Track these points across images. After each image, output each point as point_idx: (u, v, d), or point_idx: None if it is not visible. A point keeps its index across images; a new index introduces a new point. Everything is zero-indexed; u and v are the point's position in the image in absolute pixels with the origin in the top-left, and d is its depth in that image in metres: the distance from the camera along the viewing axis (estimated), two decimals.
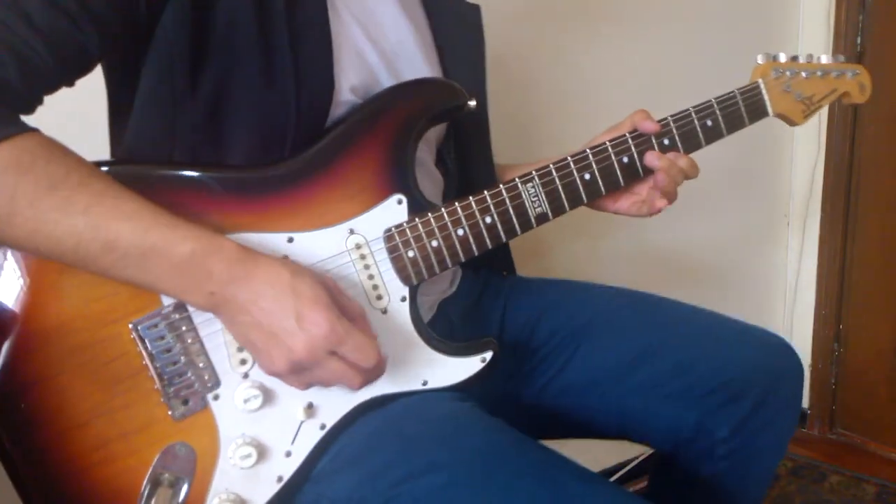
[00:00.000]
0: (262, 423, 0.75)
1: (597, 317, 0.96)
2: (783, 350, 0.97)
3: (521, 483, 0.68)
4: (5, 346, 0.68)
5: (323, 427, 0.77)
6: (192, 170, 0.74)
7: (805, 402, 2.11)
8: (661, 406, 0.93)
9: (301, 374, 0.69)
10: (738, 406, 0.91)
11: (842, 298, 2.03)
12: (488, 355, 0.82)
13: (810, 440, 2.08)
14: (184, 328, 0.72)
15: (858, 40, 1.87)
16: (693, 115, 0.92)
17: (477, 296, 0.99)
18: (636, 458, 1.43)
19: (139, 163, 0.74)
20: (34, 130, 0.65)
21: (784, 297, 2.11)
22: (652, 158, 0.88)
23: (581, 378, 0.94)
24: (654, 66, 1.68)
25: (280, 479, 0.75)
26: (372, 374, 0.70)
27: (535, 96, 1.53)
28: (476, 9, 0.94)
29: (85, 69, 0.75)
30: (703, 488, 0.95)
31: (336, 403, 0.77)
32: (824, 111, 1.92)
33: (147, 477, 0.72)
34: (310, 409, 0.76)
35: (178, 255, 0.65)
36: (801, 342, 2.08)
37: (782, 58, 0.99)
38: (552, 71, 1.54)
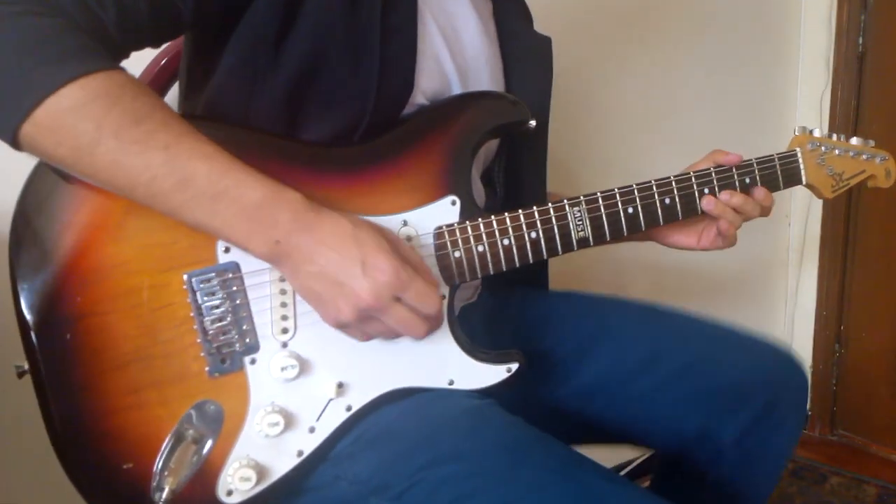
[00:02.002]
0: (293, 395, 0.75)
1: (604, 325, 0.99)
2: (787, 359, 0.99)
3: (548, 477, 0.70)
4: (62, 274, 0.69)
5: (349, 409, 0.78)
6: (262, 135, 0.76)
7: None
8: (666, 409, 0.95)
9: (367, 322, 0.70)
10: (745, 411, 0.93)
11: (843, 299, 2.01)
12: (514, 366, 0.84)
13: (811, 441, 2.06)
14: (234, 288, 0.73)
15: (860, 40, 1.88)
16: (734, 171, 0.96)
17: (492, 307, 1.01)
18: (636, 459, 1.43)
19: (213, 120, 0.77)
20: (123, 69, 0.67)
21: (785, 297, 2.10)
22: (707, 203, 0.93)
23: (588, 384, 0.96)
24: (667, 69, 1.71)
25: (300, 453, 0.76)
26: (435, 322, 0.73)
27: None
28: (547, 41, 0.99)
29: (173, 35, 0.79)
30: (708, 492, 0.96)
31: (365, 386, 0.78)
32: (825, 107, 1.94)
33: (172, 430, 0.72)
34: (340, 387, 0.77)
35: (248, 199, 0.66)
36: (802, 343, 2.07)
37: (817, 132, 1.04)
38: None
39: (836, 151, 1.05)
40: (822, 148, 1.04)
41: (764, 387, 0.94)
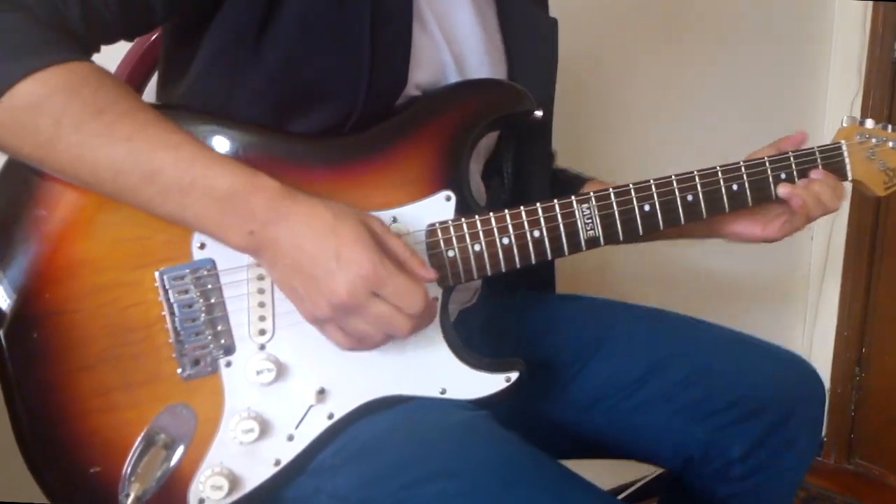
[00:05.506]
0: (270, 400, 0.72)
1: (608, 332, 0.92)
2: (805, 371, 0.92)
3: (541, 498, 0.65)
4: (31, 271, 0.67)
5: (331, 417, 0.73)
6: (246, 128, 0.73)
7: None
8: (669, 421, 0.88)
9: (346, 319, 0.65)
10: (754, 425, 0.86)
11: (865, 319, 1.90)
12: (514, 376, 0.78)
13: (825, 469, 1.94)
14: (209, 286, 0.70)
15: (895, 45, 1.78)
16: (767, 165, 0.88)
17: (493, 312, 0.95)
18: (641, 479, 1.37)
19: (192, 111, 0.73)
20: (87, 59, 0.65)
21: (804, 315, 2.00)
22: (784, 189, 0.87)
23: (588, 393, 0.90)
24: (692, 67, 1.65)
25: (278, 462, 0.72)
26: (422, 320, 0.67)
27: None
28: (553, 22, 0.92)
29: (148, 28, 0.75)
30: None
31: (348, 394, 0.74)
32: (855, 114, 1.83)
33: (143, 434, 0.69)
34: (321, 394, 0.73)
35: (219, 189, 0.63)
36: (821, 364, 1.94)
37: (869, 123, 0.95)
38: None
39: (891, 144, 0.95)
40: (873, 140, 0.94)
41: (777, 399, 0.87)
